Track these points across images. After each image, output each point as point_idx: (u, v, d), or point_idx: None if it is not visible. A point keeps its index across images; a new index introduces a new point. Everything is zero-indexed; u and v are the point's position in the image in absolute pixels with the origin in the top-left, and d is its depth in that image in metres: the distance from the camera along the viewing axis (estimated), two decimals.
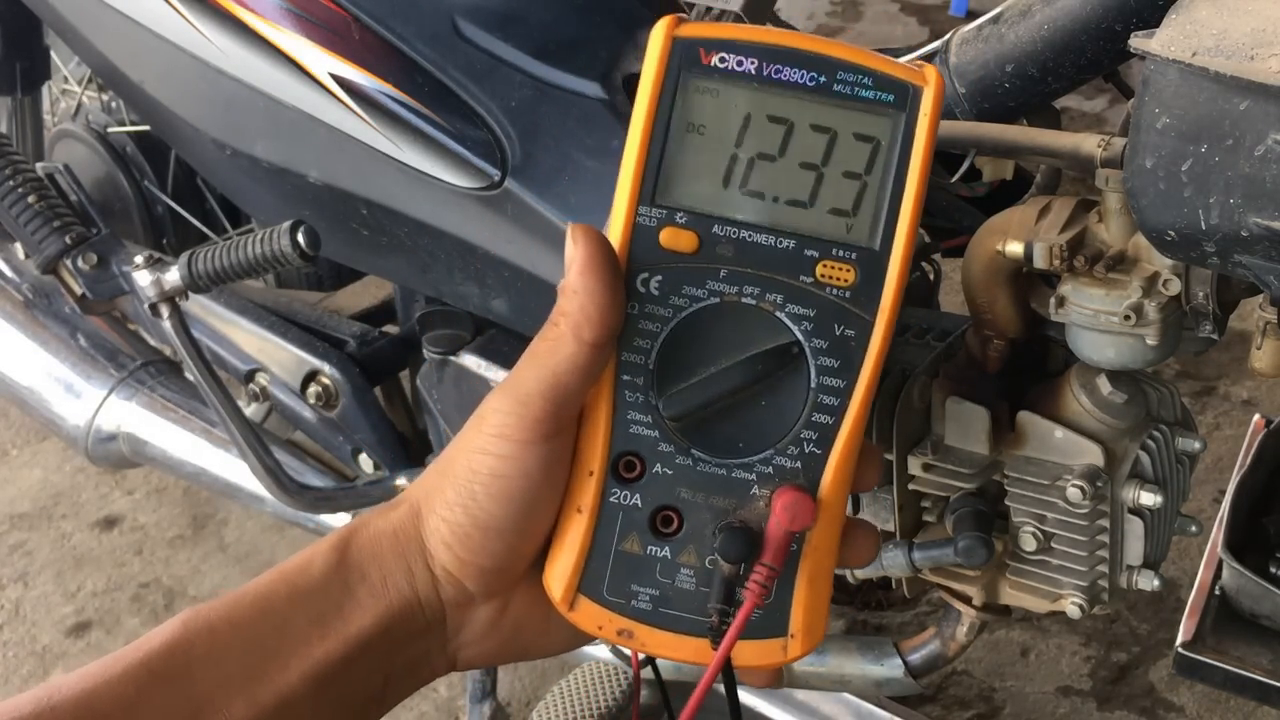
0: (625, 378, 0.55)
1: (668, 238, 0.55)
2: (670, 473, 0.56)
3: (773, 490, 0.55)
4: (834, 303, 0.55)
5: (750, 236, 0.55)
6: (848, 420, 0.55)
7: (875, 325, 0.55)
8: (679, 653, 0.56)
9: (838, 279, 0.55)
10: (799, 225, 0.55)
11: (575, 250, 0.54)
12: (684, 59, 0.55)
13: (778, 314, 0.55)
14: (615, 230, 0.55)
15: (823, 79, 0.54)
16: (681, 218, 0.55)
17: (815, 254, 0.55)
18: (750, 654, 0.56)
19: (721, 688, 0.60)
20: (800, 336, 0.55)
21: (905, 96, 0.54)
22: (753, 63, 0.54)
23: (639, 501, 0.56)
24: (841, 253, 0.55)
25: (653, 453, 0.56)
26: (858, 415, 0.55)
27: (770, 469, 0.55)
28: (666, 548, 0.56)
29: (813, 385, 0.55)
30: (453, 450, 0.57)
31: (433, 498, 0.57)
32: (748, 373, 0.55)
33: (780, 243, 0.55)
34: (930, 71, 0.55)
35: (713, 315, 0.55)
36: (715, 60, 0.55)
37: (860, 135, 0.55)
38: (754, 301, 0.55)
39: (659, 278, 0.55)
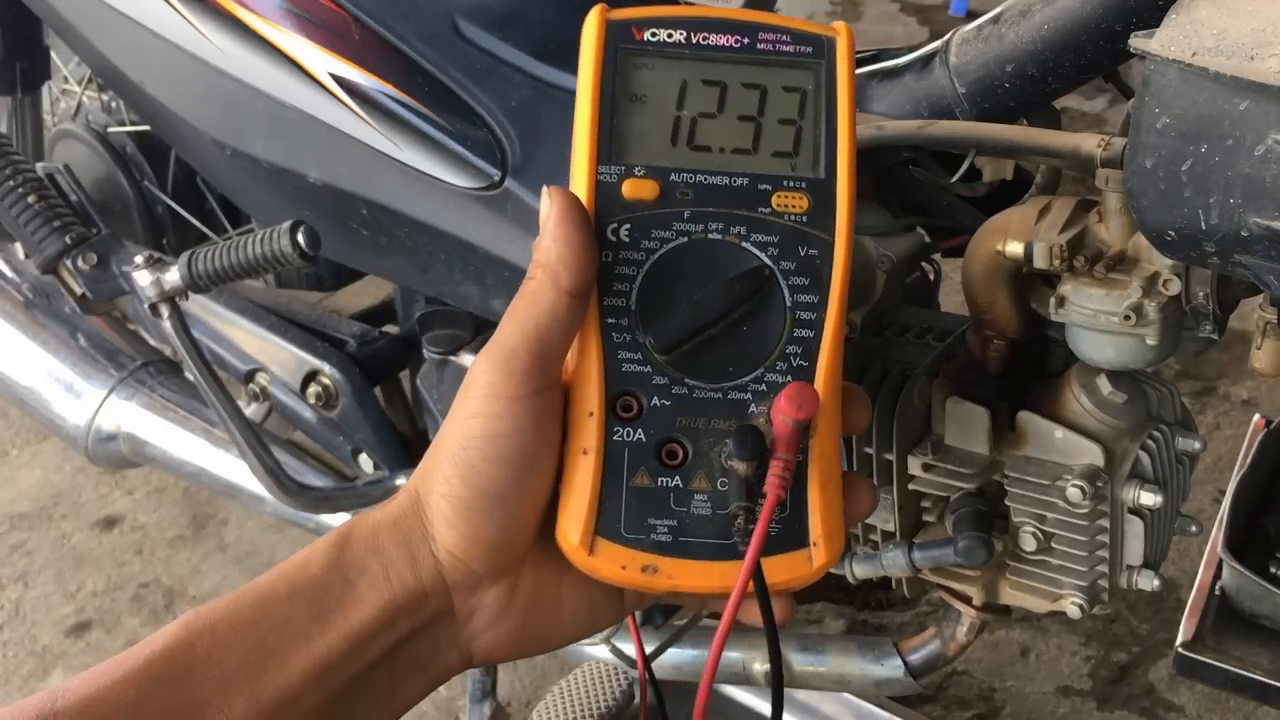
0: (610, 320, 0.58)
1: (630, 189, 0.58)
2: (668, 404, 0.58)
3: (769, 405, 0.57)
4: (793, 228, 0.59)
5: (706, 179, 0.59)
6: (827, 332, 0.58)
7: (835, 242, 0.59)
8: (705, 580, 0.57)
9: (793, 206, 0.59)
10: (748, 168, 0.59)
11: (550, 205, 0.57)
12: (619, 38, 0.59)
13: (743, 244, 0.58)
14: (579, 190, 0.58)
15: (746, 41, 0.60)
16: (640, 170, 0.59)
17: (769, 187, 0.59)
18: (777, 569, 0.57)
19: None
20: (768, 261, 0.58)
21: (821, 48, 0.60)
22: (681, 34, 0.60)
23: (642, 436, 0.57)
24: (792, 184, 0.59)
25: (648, 387, 0.58)
26: (835, 326, 0.58)
27: (764, 386, 0.58)
28: (677, 477, 0.57)
29: (788, 303, 0.58)
30: (444, 429, 0.57)
31: (430, 478, 0.57)
32: (725, 297, 0.57)
33: (735, 181, 0.59)
34: (841, 26, 0.60)
35: (683, 253, 0.58)
36: (647, 36, 0.59)
37: (788, 87, 0.60)
38: (720, 236, 0.58)
39: (627, 225, 0.58)
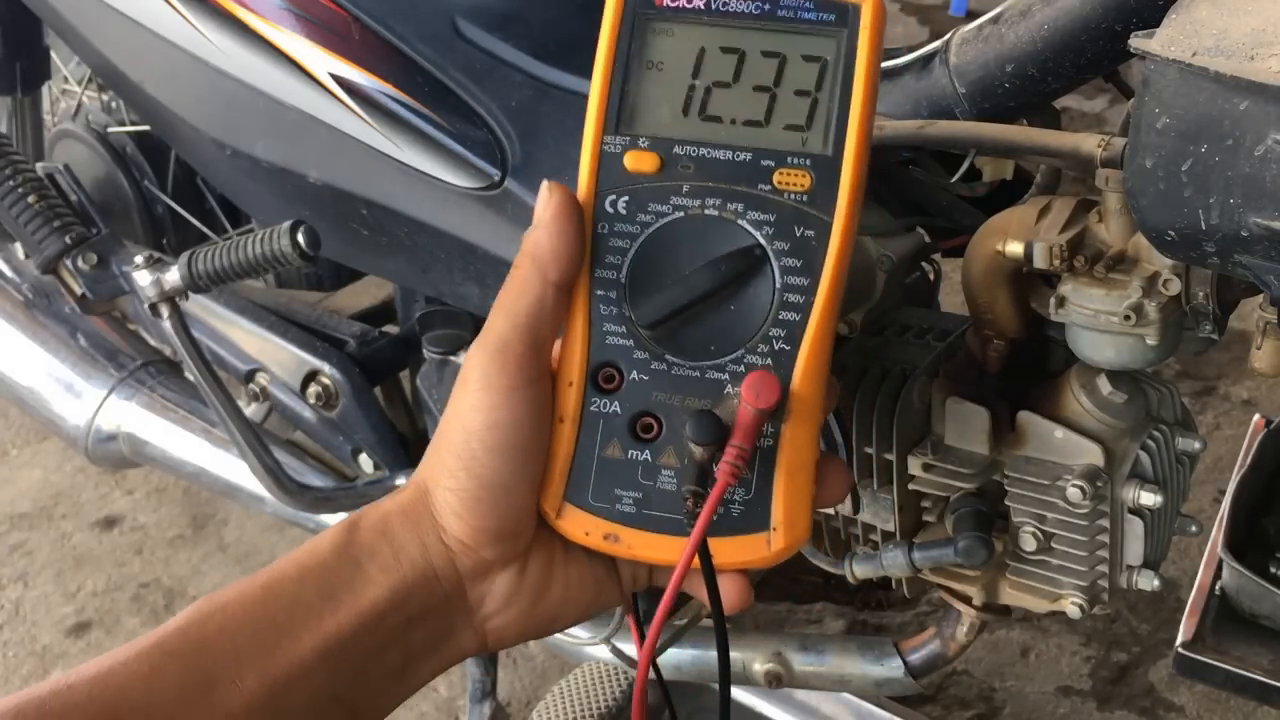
0: (599, 292, 0.58)
1: (632, 161, 0.58)
2: (646, 379, 0.58)
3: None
4: (793, 206, 0.57)
5: (709, 153, 0.58)
6: (814, 317, 0.57)
7: (834, 225, 0.57)
8: (664, 553, 0.58)
9: (794, 184, 0.57)
10: (756, 141, 0.58)
11: (548, 198, 0.57)
12: (638, 3, 0.59)
13: (739, 221, 0.58)
14: (584, 160, 0.59)
15: (767, 6, 0.58)
16: (644, 142, 0.58)
17: (772, 163, 0.58)
18: (734, 550, 0.58)
19: (727, 689, 0.61)
20: (762, 240, 0.57)
21: (845, 15, 0.57)
22: None
23: (618, 409, 0.58)
24: (796, 160, 0.58)
25: (629, 361, 0.58)
26: (824, 312, 0.57)
27: (742, 367, 0.57)
28: (647, 451, 0.58)
29: (778, 285, 0.57)
30: (445, 423, 0.58)
31: (436, 472, 0.58)
32: (713, 275, 0.57)
33: (738, 156, 0.58)
34: None
35: (678, 228, 0.58)
36: (666, 1, 0.58)
37: (808, 56, 0.58)
38: (716, 212, 0.58)
39: (625, 198, 0.58)
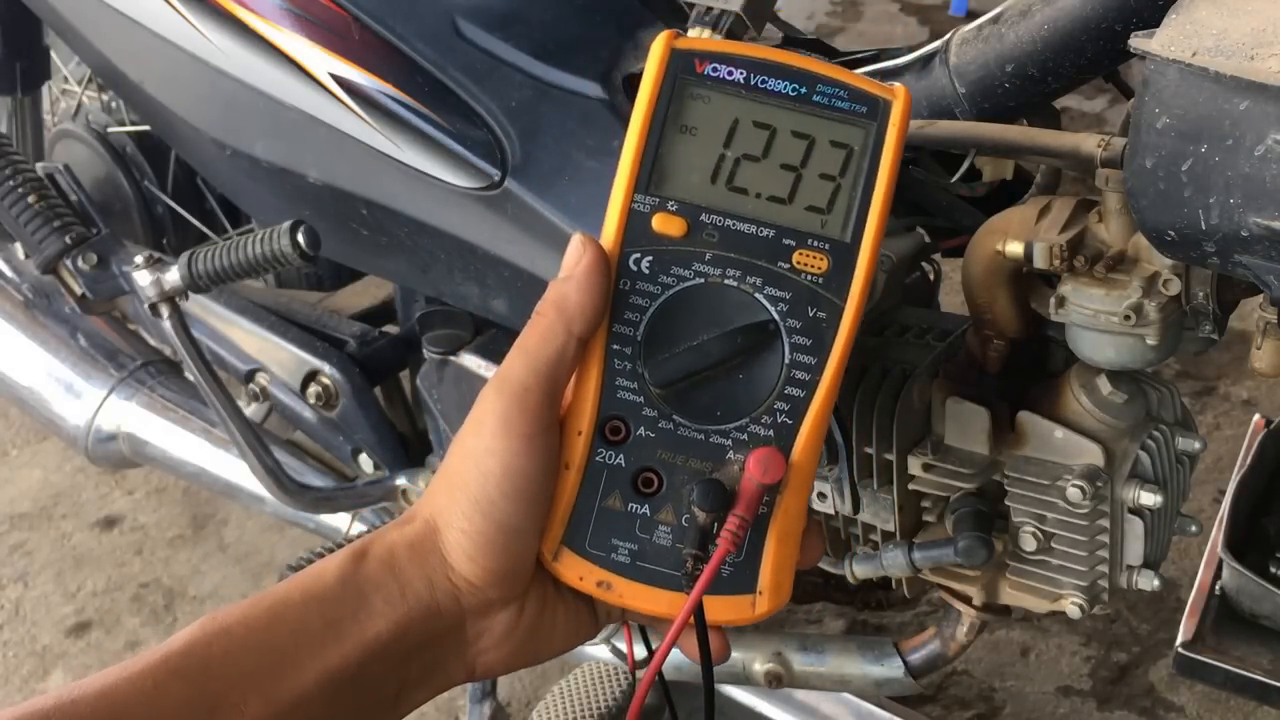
0: (615, 347, 0.60)
1: (659, 223, 0.60)
2: (653, 436, 0.60)
3: (747, 454, 0.59)
4: (808, 288, 0.59)
5: (734, 225, 0.60)
6: (819, 394, 0.59)
7: (845, 309, 0.59)
8: (653, 605, 0.60)
9: (812, 266, 0.59)
10: (778, 219, 0.60)
11: (583, 253, 0.58)
12: (680, 67, 0.60)
13: (756, 295, 0.59)
14: (612, 215, 0.60)
15: (804, 90, 0.60)
16: (672, 205, 0.60)
17: (792, 243, 0.60)
18: (721, 609, 0.60)
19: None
20: (776, 316, 0.59)
21: (876, 109, 0.60)
22: (741, 73, 0.60)
23: (623, 461, 0.60)
24: (816, 243, 0.59)
25: (637, 417, 0.60)
26: (828, 390, 0.59)
27: (745, 435, 0.59)
28: (646, 505, 0.60)
29: (787, 361, 0.59)
30: (457, 460, 0.59)
31: (448, 511, 0.59)
32: (727, 346, 0.59)
33: (761, 231, 0.60)
34: (900, 89, 0.60)
35: (697, 294, 0.60)
36: (708, 69, 0.60)
37: (836, 142, 0.60)
38: (735, 284, 0.60)
39: (649, 258, 0.60)
